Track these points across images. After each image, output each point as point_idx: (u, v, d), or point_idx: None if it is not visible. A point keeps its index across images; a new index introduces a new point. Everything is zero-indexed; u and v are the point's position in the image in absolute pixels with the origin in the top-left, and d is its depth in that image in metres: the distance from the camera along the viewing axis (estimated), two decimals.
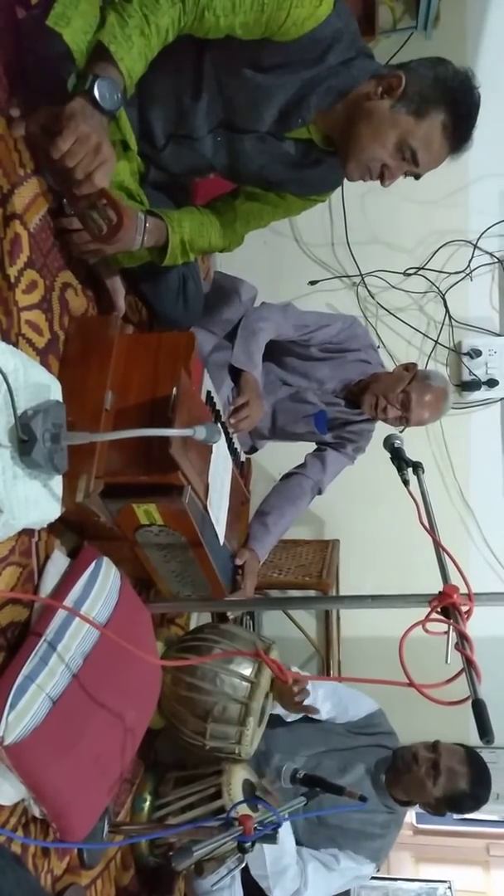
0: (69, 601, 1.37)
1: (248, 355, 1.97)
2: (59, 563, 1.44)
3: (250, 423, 1.92)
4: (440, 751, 2.05)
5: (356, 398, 2.15)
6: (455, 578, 1.41)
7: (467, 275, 3.09)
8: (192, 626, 2.34)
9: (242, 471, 2.07)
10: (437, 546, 1.47)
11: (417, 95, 1.41)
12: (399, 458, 1.67)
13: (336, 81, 1.43)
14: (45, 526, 1.31)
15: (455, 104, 1.43)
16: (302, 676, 1.97)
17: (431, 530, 1.48)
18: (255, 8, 1.27)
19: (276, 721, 2.07)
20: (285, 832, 1.89)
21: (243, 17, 1.28)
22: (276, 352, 2.15)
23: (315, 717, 2.14)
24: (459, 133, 1.45)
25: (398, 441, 1.70)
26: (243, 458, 2.10)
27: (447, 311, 3.11)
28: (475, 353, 3.06)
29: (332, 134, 1.49)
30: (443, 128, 1.43)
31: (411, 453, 1.69)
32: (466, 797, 2.04)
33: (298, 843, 2.01)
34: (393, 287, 3.14)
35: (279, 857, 1.88)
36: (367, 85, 1.44)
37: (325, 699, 2.15)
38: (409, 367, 2.14)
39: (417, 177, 1.50)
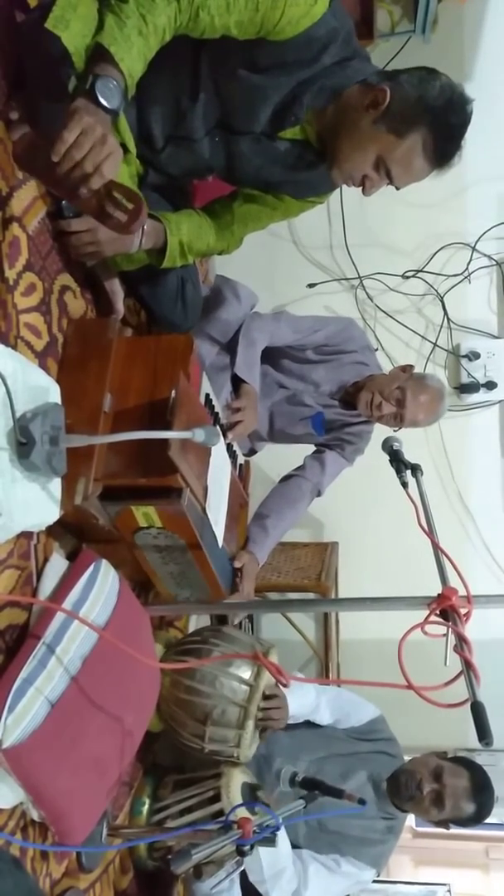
0: (68, 604, 1.37)
1: (249, 366, 1.99)
2: (57, 565, 1.44)
3: (243, 429, 1.94)
4: (445, 781, 2.01)
5: (352, 399, 2.15)
6: (454, 581, 1.41)
7: (465, 277, 3.10)
8: (191, 628, 2.33)
9: (241, 473, 2.07)
10: (436, 548, 1.47)
11: (399, 114, 1.41)
12: (398, 461, 1.67)
13: (330, 81, 1.43)
14: (44, 528, 1.31)
15: (436, 125, 1.43)
16: (302, 679, 1.96)
17: (430, 532, 1.48)
18: (250, 7, 1.27)
19: None
20: (280, 836, 1.89)
21: (238, 15, 1.28)
22: (272, 355, 2.15)
23: (317, 722, 2.14)
24: (441, 153, 1.46)
25: (397, 443, 1.70)
26: (242, 460, 2.11)
27: (446, 313, 3.11)
28: (474, 356, 3.06)
29: (324, 135, 1.50)
30: (423, 148, 1.44)
31: (410, 455, 1.69)
32: (470, 819, 2.04)
33: (300, 847, 2.00)
34: (391, 290, 3.14)
35: (275, 862, 1.87)
36: (356, 91, 1.45)
37: (327, 705, 2.14)
38: (406, 369, 2.16)
39: (398, 188, 1.52)
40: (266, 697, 1.82)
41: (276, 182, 1.63)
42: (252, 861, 1.84)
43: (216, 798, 1.76)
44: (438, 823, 2.09)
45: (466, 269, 3.09)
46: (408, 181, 1.50)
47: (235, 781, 1.78)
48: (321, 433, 2.21)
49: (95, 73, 1.19)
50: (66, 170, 1.18)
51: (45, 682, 1.29)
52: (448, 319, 3.11)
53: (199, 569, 1.68)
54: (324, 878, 1.98)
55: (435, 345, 3.12)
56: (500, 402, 3.11)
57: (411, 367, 2.17)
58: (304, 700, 2.07)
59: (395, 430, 2.07)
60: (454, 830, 2.13)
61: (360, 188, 1.52)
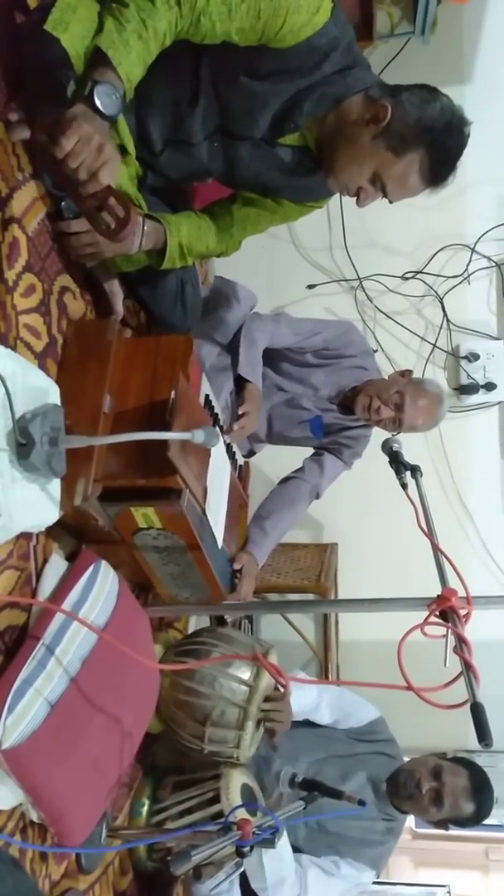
0: (67, 605, 1.37)
1: (252, 366, 1.99)
2: (57, 566, 1.44)
3: (244, 434, 1.94)
4: (444, 780, 2.01)
5: (351, 404, 2.16)
6: (453, 582, 1.41)
7: (465, 278, 3.10)
8: (191, 629, 2.33)
9: (240, 474, 2.08)
10: (436, 549, 1.47)
11: (399, 133, 1.43)
12: (397, 462, 1.67)
13: (331, 89, 1.44)
14: (43, 529, 1.31)
15: (434, 147, 1.44)
16: (302, 680, 1.96)
17: (430, 534, 1.48)
18: (251, 14, 1.27)
19: None
20: (283, 843, 1.88)
21: (239, 22, 1.28)
22: (271, 357, 2.15)
23: (317, 721, 2.14)
24: (436, 174, 1.48)
25: (396, 444, 1.70)
26: (241, 461, 2.11)
27: (445, 314, 3.11)
28: (473, 357, 3.06)
29: (323, 143, 1.51)
30: (419, 167, 1.46)
31: (409, 457, 1.69)
32: (469, 819, 2.04)
33: (299, 850, 2.00)
34: (391, 291, 3.14)
35: (278, 868, 1.87)
36: (358, 102, 1.45)
37: (328, 705, 2.15)
38: (405, 373, 2.16)
39: (391, 202, 1.53)
40: (269, 699, 1.82)
41: (274, 187, 1.63)
42: (254, 867, 1.84)
43: (216, 799, 1.75)
44: (438, 824, 2.09)
45: (466, 270, 3.09)
46: (402, 197, 1.52)
47: (235, 782, 1.78)
48: (319, 437, 2.21)
49: (94, 79, 1.19)
50: (65, 173, 1.18)
51: (44, 682, 1.29)
52: (447, 321, 3.11)
53: (199, 569, 1.68)
54: (323, 883, 1.98)
55: (434, 346, 3.12)
56: (499, 403, 3.11)
57: (410, 371, 2.18)
58: (306, 700, 2.07)
59: (393, 435, 2.07)
60: (454, 832, 2.12)
61: (355, 199, 1.53)
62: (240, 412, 1.93)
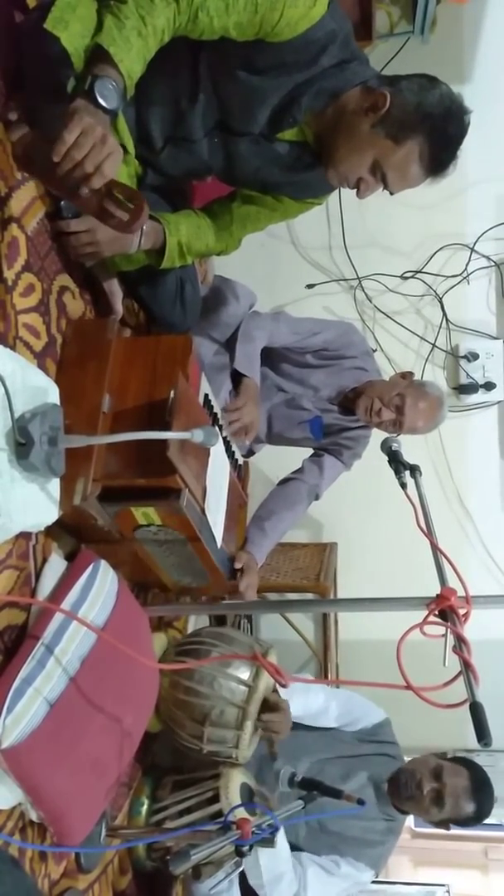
0: (66, 604, 1.37)
1: (249, 361, 1.99)
2: (56, 566, 1.44)
3: (251, 427, 1.93)
4: (444, 780, 2.01)
5: (351, 405, 2.16)
6: (453, 581, 1.41)
7: (464, 278, 3.10)
8: (190, 629, 2.33)
9: (240, 474, 2.07)
10: (435, 549, 1.47)
11: (398, 121, 1.42)
12: (397, 461, 1.67)
13: (328, 83, 1.44)
14: (43, 529, 1.31)
15: (433, 134, 1.43)
16: (302, 680, 1.96)
17: (429, 533, 1.48)
18: (249, 8, 1.27)
19: None
20: (280, 839, 1.88)
21: (237, 17, 1.28)
22: (272, 358, 2.15)
23: (323, 726, 2.13)
24: (436, 161, 1.47)
25: (396, 444, 1.70)
26: (241, 461, 2.11)
27: (444, 314, 3.11)
28: (472, 357, 3.06)
29: (322, 137, 1.51)
30: (419, 155, 1.45)
31: (409, 456, 1.69)
32: (470, 819, 2.04)
33: (300, 849, 2.00)
34: (390, 290, 3.14)
35: (274, 865, 1.87)
36: (356, 94, 1.45)
37: (336, 709, 2.15)
38: (406, 375, 2.16)
39: (392, 193, 1.52)
40: (270, 708, 1.81)
41: (274, 183, 1.63)
42: (251, 864, 1.84)
43: (215, 799, 1.76)
44: (439, 824, 2.09)
45: (465, 269, 3.09)
46: (402, 187, 1.51)
47: (234, 782, 1.78)
48: (319, 437, 2.21)
49: (94, 74, 1.19)
50: (67, 170, 1.18)
51: (43, 682, 1.29)
52: (447, 320, 3.11)
53: (201, 559, 1.68)
54: (323, 881, 1.98)
55: (434, 345, 3.12)
56: (498, 402, 3.11)
57: (411, 373, 2.18)
58: (312, 706, 2.07)
59: (393, 435, 2.07)
60: (453, 831, 2.13)
61: (355, 191, 1.52)
62: (230, 408, 1.91)
